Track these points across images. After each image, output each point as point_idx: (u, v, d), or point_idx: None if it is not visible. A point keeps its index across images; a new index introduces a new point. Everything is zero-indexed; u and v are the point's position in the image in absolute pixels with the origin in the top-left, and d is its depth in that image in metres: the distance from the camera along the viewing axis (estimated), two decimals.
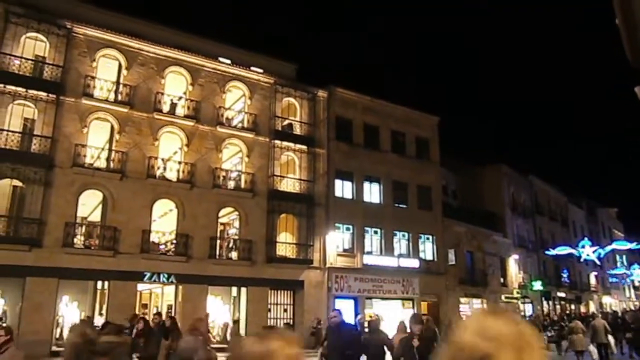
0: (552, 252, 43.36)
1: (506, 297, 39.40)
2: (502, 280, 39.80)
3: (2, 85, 20.82)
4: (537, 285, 42.85)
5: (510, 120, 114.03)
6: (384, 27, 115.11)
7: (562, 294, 49.61)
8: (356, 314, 26.99)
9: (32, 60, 22.04)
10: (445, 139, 35.50)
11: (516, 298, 40.73)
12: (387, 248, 30.69)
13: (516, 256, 41.87)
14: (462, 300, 34.65)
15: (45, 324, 20.14)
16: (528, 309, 41.34)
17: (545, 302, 44.67)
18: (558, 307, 48.06)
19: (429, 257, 32.83)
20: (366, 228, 30.19)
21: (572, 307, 50.94)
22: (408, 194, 32.48)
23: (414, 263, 31.40)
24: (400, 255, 31.11)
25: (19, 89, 21.16)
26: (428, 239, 33.11)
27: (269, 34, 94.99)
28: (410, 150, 33.48)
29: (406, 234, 31.86)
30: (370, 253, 29.99)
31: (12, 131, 20.94)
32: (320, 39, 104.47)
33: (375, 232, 30.73)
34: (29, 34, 22.03)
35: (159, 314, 16.75)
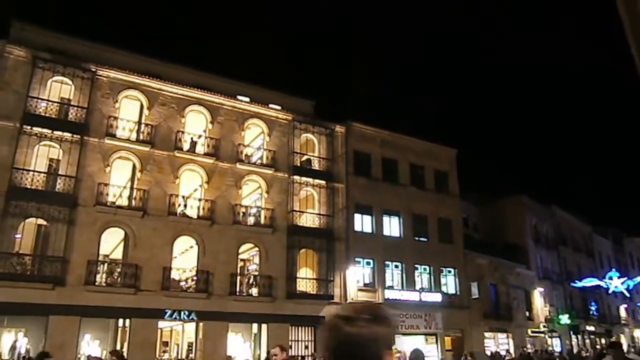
0: (579, 284, 42.40)
1: (533, 331, 38.40)
2: (527, 313, 38.88)
3: (29, 127, 21.46)
4: (565, 319, 41.73)
5: (530, 150, 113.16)
6: (400, 61, 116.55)
7: (592, 328, 48.15)
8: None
9: (57, 102, 22.75)
10: (464, 171, 35.39)
11: (543, 332, 39.64)
12: (409, 282, 30.33)
13: (541, 289, 40.97)
14: (487, 334, 33.88)
15: None
16: (556, 344, 40.15)
17: (574, 336, 43.35)
18: (588, 341, 46.59)
19: (452, 290, 32.34)
20: (387, 262, 29.95)
21: (603, 341, 49.31)
22: (428, 227, 32.25)
23: (436, 297, 30.93)
24: (422, 290, 30.69)
25: (45, 130, 21.79)
26: (450, 272, 32.67)
27: (286, 71, 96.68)
28: (430, 184, 33.41)
29: (427, 268, 31.50)
30: (391, 287, 29.66)
31: (38, 171, 21.46)
32: (337, 75, 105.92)
33: (396, 266, 30.44)
34: (55, 78, 22.81)
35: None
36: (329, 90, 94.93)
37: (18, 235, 20.75)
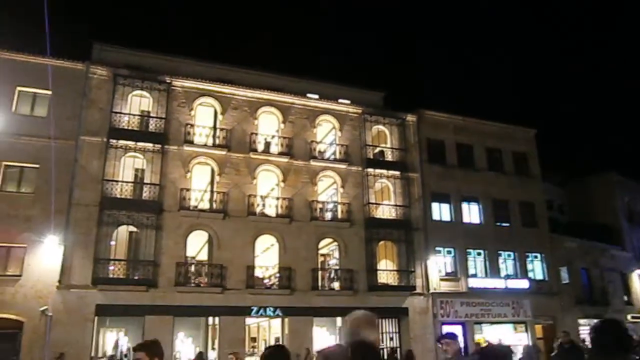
0: None
1: (633, 317, 36.12)
2: (625, 298, 36.64)
3: (115, 140, 22.90)
4: None
5: (617, 123, 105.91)
6: (473, 43, 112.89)
7: None
8: (465, 340, 26.09)
9: (138, 115, 24.15)
10: (545, 151, 33.89)
11: None
12: (493, 269, 29.50)
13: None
14: (581, 321, 32.26)
15: None
16: None
17: None
18: None
19: (539, 276, 31.11)
20: (468, 250, 29.26)
21: None
22: (510, 212, 31.19)
23: (523, 284, 29.88)
24: (507, 277, 29.76)
25: (129, 142, 23.16)
26: (536, 257, 31.44)
27: (354, 63, 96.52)
28: (508, 166, 32.29)
29: (512, 254, 30.48)
30: (475, 276, 28.98)
31: (126, 181, 22.89)
32: (406, 63, 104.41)
33: (479, 254, 29.69)
34: (134, 92, 24.18)
35: None
36: (399, 80, 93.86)
37: (112, 242, 22.24)
